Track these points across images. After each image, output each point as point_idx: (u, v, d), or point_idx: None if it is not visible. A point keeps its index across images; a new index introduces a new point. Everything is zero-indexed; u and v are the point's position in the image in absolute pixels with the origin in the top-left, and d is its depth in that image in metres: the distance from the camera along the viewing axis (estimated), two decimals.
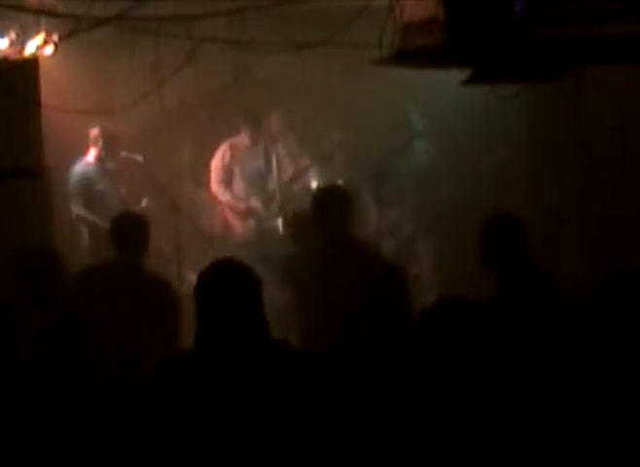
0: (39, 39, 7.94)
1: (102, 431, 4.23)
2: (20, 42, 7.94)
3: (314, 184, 10.22)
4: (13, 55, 7.75)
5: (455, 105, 9.02)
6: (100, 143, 9.26)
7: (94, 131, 9.27)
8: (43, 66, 7.50)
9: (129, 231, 6.46)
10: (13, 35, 7.92)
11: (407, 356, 3.93)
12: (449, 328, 3.82)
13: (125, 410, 4.23)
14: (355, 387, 4.15)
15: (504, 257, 5.46)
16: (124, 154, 9.33)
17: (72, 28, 7.07)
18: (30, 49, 7.92)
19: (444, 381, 3.79)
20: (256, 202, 9.92)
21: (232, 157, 9.90)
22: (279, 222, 9.89)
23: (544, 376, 4.14)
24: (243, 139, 9.92)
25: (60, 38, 7.65)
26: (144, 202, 9.53)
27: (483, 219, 5.61)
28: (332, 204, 6.08)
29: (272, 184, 9.98)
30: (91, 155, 9.29)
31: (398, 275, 5.94)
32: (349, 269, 5.81)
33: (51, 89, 7.89)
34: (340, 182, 10.24)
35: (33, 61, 7.47)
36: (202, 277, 3.99)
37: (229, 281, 3.92)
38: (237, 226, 9.92)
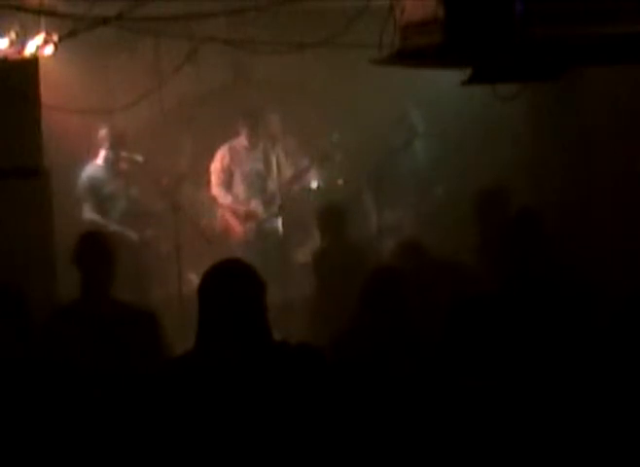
0: (39, 39, 7.95)
1: (98, 433, 4.19)
2: (20, 42, 7.95)
3: (314, 184, 10.22)
4: (13, 55, 7.75)
5: (455, 105, 9.03)
6: (108, 144, 9.23)
7: (102, 132, 9.25)
8: (43, 66, 7.49)
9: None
10: (13, 35, 7.93)
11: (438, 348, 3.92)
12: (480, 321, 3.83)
13: (123, 412, 4.17)
14: (358, 386, 4.14)
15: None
16: (124, 154, 9.31)
17: (72, 28, 7.07)
18: (30, 49, 7.93)
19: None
20: (256, 204, 9.91)
21: (232, 159, 9.89)
22: (279, 223, 9.90)
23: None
24: (242, 141, 9.91)
25: (60, 38, 7.65)
26: (153, 202, 9.51)
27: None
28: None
29: (272, 185, 9.97)
30: (100, 157, 9.26)
31: None
32: None
33: (51, 89, 7.89)
34: (340, 182, 10.26)
35: (33, 61, 7.47)
36: (206, 277, 3.91)
37: (233, 282, 3.87)
38: (238, 227, 9.91)
